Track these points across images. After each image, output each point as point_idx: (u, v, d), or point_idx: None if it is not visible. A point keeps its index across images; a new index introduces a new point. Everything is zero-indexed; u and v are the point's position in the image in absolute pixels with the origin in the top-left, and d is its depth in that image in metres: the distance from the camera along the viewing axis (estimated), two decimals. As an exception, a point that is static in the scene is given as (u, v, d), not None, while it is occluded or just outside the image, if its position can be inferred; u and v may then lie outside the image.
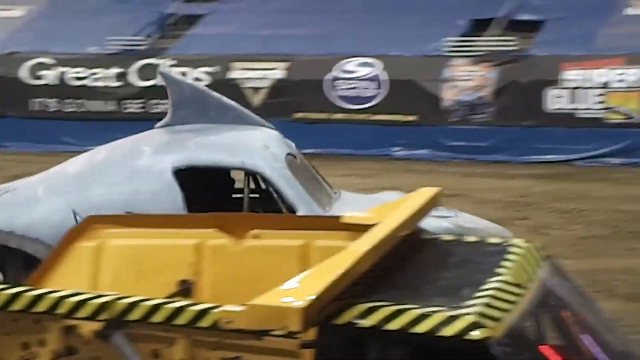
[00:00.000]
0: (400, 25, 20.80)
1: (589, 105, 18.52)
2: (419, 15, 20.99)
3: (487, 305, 2.85)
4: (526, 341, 2.89)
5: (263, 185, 6.54)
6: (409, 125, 19.25)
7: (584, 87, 18.49)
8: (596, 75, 18.48)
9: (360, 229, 3.52)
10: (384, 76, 19.98)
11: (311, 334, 2.81)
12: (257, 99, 20.70)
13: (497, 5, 20.40)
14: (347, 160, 17.02)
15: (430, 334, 2.75)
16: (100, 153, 6.69)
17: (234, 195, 6.90)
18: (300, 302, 2.62)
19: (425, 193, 3.94)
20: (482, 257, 3.39)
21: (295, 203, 5.97)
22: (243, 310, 2.69)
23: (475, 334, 2.71)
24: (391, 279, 3.16)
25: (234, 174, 7.02)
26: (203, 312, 3.03)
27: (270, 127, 6.81)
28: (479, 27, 20.27)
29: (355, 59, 20.34)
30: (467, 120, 19.39)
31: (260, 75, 20.65)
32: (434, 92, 19.66)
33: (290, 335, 2.80)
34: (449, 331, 2.73)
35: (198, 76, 20.99)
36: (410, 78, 19.73)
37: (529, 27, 19.91)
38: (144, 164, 6.17)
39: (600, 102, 18.31)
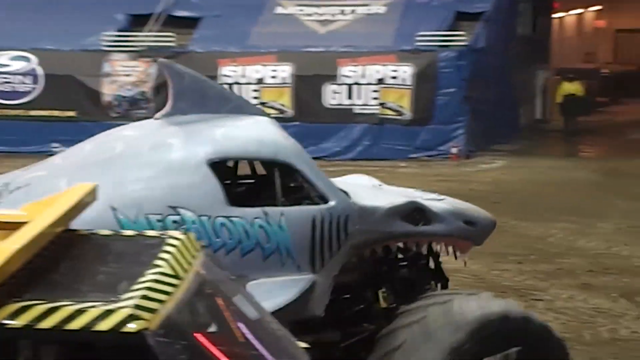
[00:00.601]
0: (57, 18, 20.21)
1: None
2: (76, 9, 20.51)
3: (144, 297, 2.89)
4: (183, 330, 2.96)
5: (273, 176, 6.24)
6: (69, 120, 18.85)
7: (239, 83, 19.12)
8: (251, 72, 19.20)
9: (10, 227, 3.39)
10: (40, 70, 19.35)
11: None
12: None
13: (155, 1, 20.49)
14: (2, 158, 16.23)
15: (86, 329, 2.73)
16: (115, 145, 6.10)
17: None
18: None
19: (81, 189, 3.88)
20: (140, 251, 3.42)
21: (326, 193, 5.81)
22: None
23: (131, 326, 2.74)
24: (45, 277, 3.09)
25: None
26: None
27: (268, 117, 6.58)
28: (138, 22, 20.24)
29: (8, 52, 19.50)
30: (128, 116, 19.29)
31: None
32: (93, 87, 19.36)
33: None
34: (104, 325, 2.73)
35: None
36: (68, 73, 19.28)
37: (187, 24, 20.22)
38: (178, 157, 5.86)
39: (255, 98, 19.05)
